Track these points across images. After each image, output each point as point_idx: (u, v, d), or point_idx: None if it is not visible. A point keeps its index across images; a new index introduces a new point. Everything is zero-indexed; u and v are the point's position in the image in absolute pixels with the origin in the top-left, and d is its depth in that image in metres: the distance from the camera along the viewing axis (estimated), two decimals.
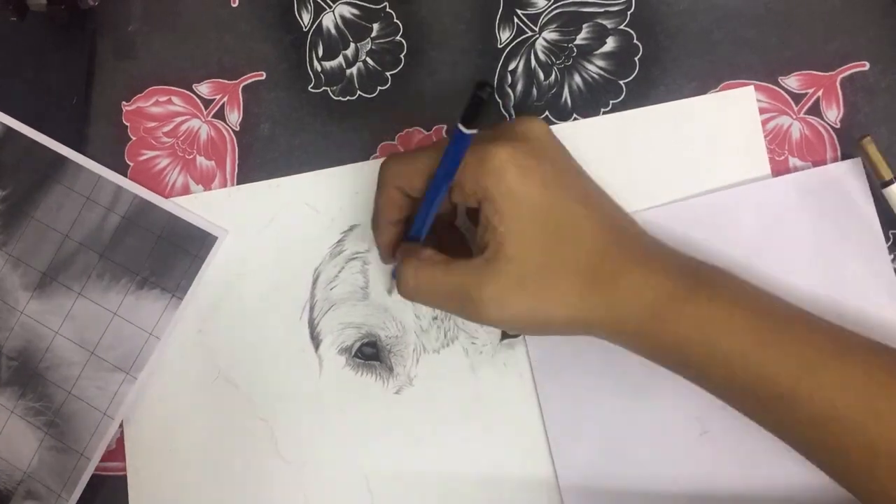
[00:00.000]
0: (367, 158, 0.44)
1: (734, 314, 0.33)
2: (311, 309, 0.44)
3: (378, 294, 0.43)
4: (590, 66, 0.43)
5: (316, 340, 0.43)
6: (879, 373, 0.33)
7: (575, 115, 0.43)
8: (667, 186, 0.42)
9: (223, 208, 0.45)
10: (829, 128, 0.41)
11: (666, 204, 0.41)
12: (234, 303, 0.44)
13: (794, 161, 0.41)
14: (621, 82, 0.43)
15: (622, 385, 0.41)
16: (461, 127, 0.33)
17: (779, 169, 0.41)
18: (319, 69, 0.45)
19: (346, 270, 0.43)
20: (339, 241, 0.44)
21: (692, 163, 0.42)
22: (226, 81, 0.46)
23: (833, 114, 0.42)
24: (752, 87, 0.42)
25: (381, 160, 0.43)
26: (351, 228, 0.44)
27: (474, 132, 0.33)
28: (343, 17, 0.45)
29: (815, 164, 0.41)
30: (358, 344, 0.43)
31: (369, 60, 0.45)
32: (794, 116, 0.42)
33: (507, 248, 0.34)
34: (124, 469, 0.44)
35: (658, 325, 0.34)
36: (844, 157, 0.41)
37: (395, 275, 0.38)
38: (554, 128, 0.42)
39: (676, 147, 0.42)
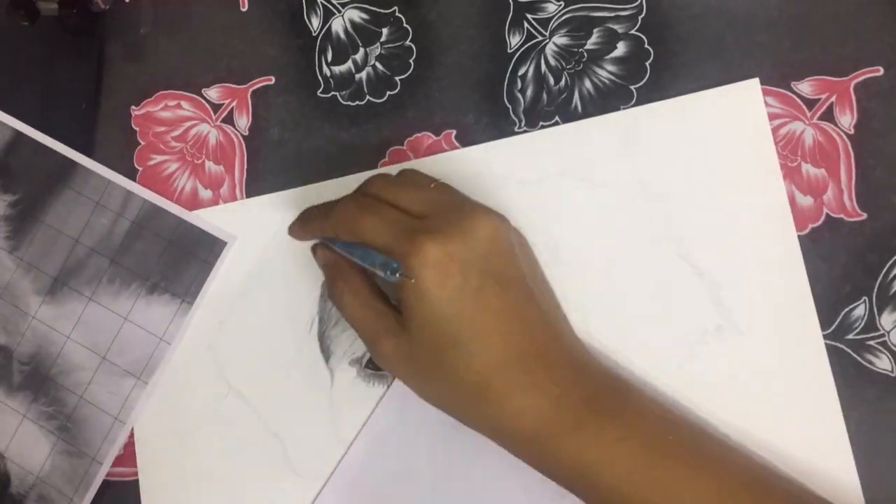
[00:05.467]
0: (376, 164, 0.44)
1: (616, 450, 0.34)
2: (321, 321, 0.43)
3: None
4: (600, 71, 0.43)
5: (326, 353, 0.43)
6: None
7: None
8: (674, 181, 0.42)
9: (226, 224, 0.45)
10: (842, 134, 0.41)
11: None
12: (243, 318, 0.44)
13: (806, 167, 0.41)
14: (632, 87, 0.43)
15: None
16: (379, 272, 0.35)
17: (792, 175, 0.41)
18: (328, 74, 0.45)
19: None
20: None
21: (699, 156, 0.41)
22: (235, 86, 0.46)
23: (847, 119, 0.41)
24: (756, 80, 0.41)
25: (377, 171, 0.43)
26: None
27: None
28: (352, 22, 0.45)
29: (829, 170, 0.41)
30: (368, 355, 0.43)
31: (378, 65, 0.45)
32: (807, 122, 0.41)
33: (409, 328, 0.35)
34: (133, 475, 0.44)
35: (538, 449, 0.35)
36: (858, 163, 0.41)
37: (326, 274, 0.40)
38: (557, 128, 0.43)
39: (682, 142, 0.42)
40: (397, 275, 0.34)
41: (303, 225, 0.41)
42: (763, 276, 0.40)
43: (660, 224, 0.41)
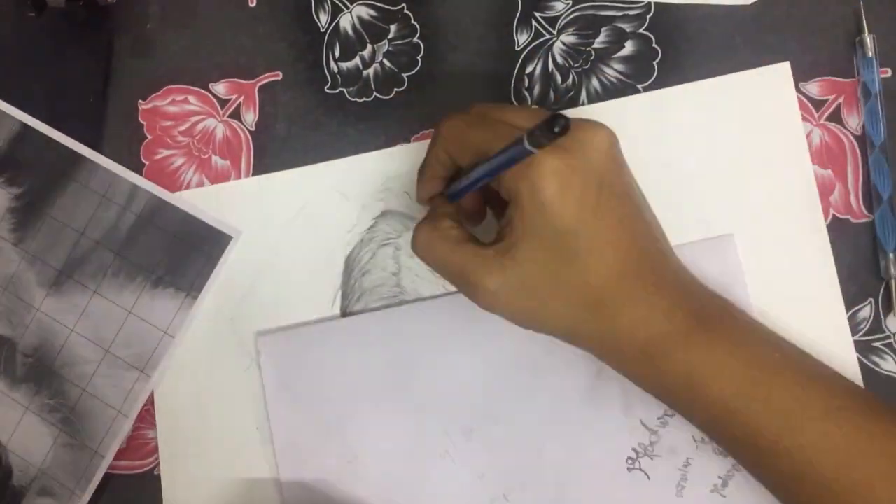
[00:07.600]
0: None
1: (725, 365, 0.34)
2: (344, 296, 0.43)
3: (410, 281, 0.43)
4: (608, 70, 0.43)
5: None
6: (861, 438, 0.32)
7: None
8: (701, 163, 0.41)
9: (253, 196, 0.45)
10: (850, 135, 0.41)
11: None
12: (267, 291, 0.44)
13: (813, 168, 0.41)
14: (639, 86, 0.43)
15: None
16: (526, 143, 0.30)
17: None
18: (336, 70, 0.45)
19: (378, 257, 0.43)
20: (370, 227, 0.44)
21: (727, 139, 0.41)
22: (242, 81, 0.46)
23: (854, 121, 0.41)
24: (787, 64, 0.41)
25: (405, 146, 0.44)
26: (382, 214, 0.44)
27: (533, 152, 0.31)
28: (360, 18, 0.45)
29: (835, 171, 0.41)
30: None
31: (386, 62, 0.45)
32: (815, 123, 0.41)
33: (519, 252, 0.34)
34: (134, 468, 0.44)
35: (647, 363, 0.35)
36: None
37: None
38: (585, 109, 0.43)
39: (711, 123, 0.42)
40: (540, 138, 0.29)
41: (419, 176, 0.39)
42: (790, 258, 0.40)
43: (688, 206, 0.41)
